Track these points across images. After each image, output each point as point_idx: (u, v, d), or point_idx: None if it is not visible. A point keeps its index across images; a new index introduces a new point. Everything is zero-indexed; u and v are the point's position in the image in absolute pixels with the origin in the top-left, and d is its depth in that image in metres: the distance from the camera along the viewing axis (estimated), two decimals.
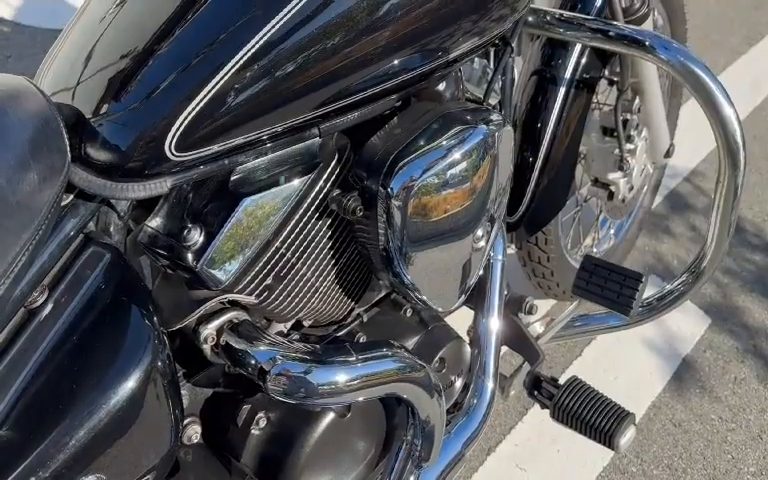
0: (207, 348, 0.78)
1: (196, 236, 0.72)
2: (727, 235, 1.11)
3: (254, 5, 0.70)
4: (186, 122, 0.67)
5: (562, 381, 1.12)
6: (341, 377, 0.77)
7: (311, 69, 0.72)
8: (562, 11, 1.17)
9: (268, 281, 0.78)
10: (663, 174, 1.89)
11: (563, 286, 1.59)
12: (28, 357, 0.64)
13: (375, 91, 0.79)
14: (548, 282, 1.59)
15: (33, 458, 0.61)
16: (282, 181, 0.75)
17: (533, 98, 1.32)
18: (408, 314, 1.02)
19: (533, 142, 1.31)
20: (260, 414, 0.85)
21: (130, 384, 0.66)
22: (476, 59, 1.05)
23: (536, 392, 1.13)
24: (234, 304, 0.79)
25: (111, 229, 0.74)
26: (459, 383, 1.07)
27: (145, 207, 0.77)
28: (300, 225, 0.78)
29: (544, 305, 1.76)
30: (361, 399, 0.81)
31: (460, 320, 1.13)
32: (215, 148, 0.70)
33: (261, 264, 0.77)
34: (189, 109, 0.67)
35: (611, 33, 1.08)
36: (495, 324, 1.08)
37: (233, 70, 0.68)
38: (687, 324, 1.76)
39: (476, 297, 1.08)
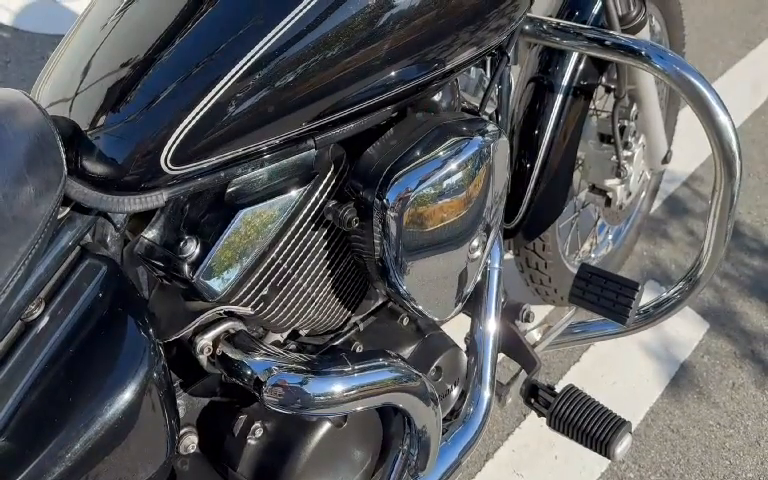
0: (203, 358, 0.78)
1: (192, 248, 0.73)
2: (723, 243, 1.12)
3: (250, 19, 0.70)
4: (182, 136, 0.67)
5: (558, 389, 1.13)
6: (337, 387, 0.77)
7: (307, 82, 0.72)
8: (559, 20, 1.18)
9: (264, 292, 0.79)
10: (661, 179, 1.89)
11: (561, 292, 1.59)
12: (25, 369, 0.64)
13: (371, 103, 0.79)
14: (546, 288, 1.59)
15: (30, 469, 0.61)
16: (278, 193, 0.76)
17: (530, 105, 1.32)
18: (405, 323, 1.03)
19: (530, 149, 1.31)
20: (256, 424, 0.86)
21: (126, 395, 0.66)
22: (472, 68, 1.05)
23: (533, 400, 1.13)
24: (230, 315, 0.79)
25: (108, 240, 0.74)
26: (456, 391, 1.07)
27: (142, 218, 0.77)
28: (296, 236, 0.78)
29: (542, 311, 1.77)
30: (357, 409, 0.81)
31: (457, 327, 1.13)
32: (211, 161, 0.70)
33: (257, 275, 0.77)
34: (185, 123, 0.67)
35: (607, 42, 1.09)
36: (492, 332, 1.08)
37: (229, 84, 0.68)
38: (685, 329, 1.76)
39: (473, 305, 1.09)
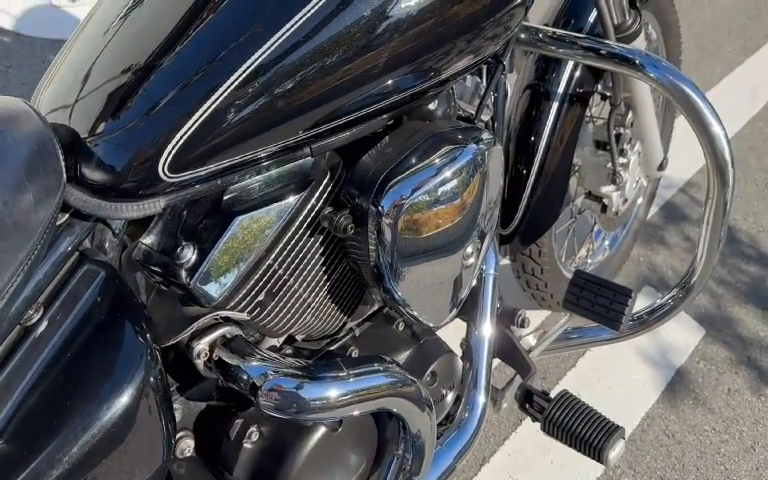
0: (200, 363, 0.79)
1: (189, 254, 0.74)
2: (717, 250, 1.13)
3: (248, 28, 0.71)
4: (179, 144, 0.68)
5: (553, 394, 1.13)
6: (332, 392, 0.78)
7: (304, 90, 0.73)
8: (554, 29, 1.19)
9: (260, 298, 0.80)
10: (658, 185, 1.90)
11: (557, 297, 1.60)
12: (24, 373, 0.65)
13: (368, 111, 0.80)
14: (542, 293, 1.60)
15: (28, 473, 0.62)
16: (274, 200, 0.77)
17: (527, 112, 1.34)
18: (400, 328, 1.04)
19: (527, 155, 1.32)
20: (252, 428, 0.87)
21: (123, 399, 0.67)
22: (468, 76, 1.06)
23: (527, 405, 1.14)
24: (227, 320, 0.80)
25: (106, 246, 0.75)
26: (451, 396, 1.08)
27: (140, 224, 0.78)
28: (292, 243, 0.79)
29: (538, 316, 1.78)
30: (352, 414, 0.82)
31: (453, 333, 1.14)
32: (208, 169, 0.71)
33: (253, 281, 0.78)
34: (183, 131, 0.68)
35: (602, 51, 1.10)
36: (487, 337, 1.09)
37: (226, 93, 0.69)
38: (681, 335, 1.77)
39: (468, 311, 1.10)
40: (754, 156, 2.36)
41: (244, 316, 0.80)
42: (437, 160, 0.82)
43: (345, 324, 0.96)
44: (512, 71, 1.14)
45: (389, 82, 0.80)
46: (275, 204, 0.77)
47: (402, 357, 1.00)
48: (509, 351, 1.16)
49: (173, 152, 0.68)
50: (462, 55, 0.87)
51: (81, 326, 0.68)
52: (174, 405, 0.81)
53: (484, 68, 1.07)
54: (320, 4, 0.72)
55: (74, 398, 0.65)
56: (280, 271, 0.80)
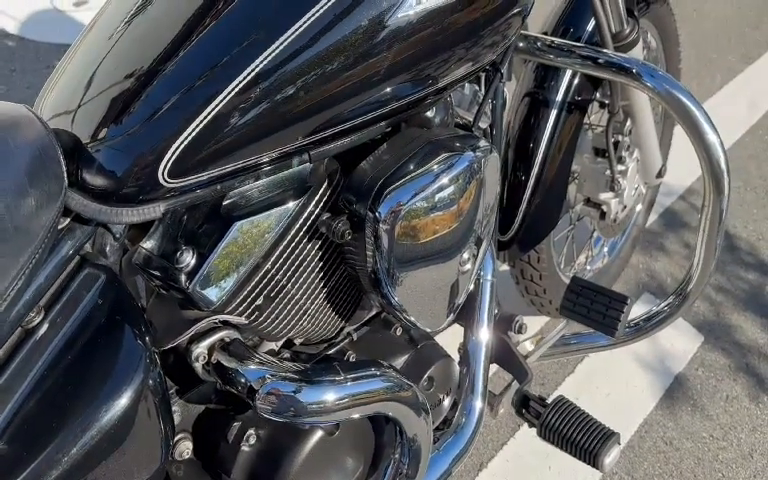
0: (199, 366, 0.80)
1: (189, 258, 0.75)
2: (713, 258, 1.13)
3: (248, 36, 0.72)
4: (179, 150, 0.70)
5: (550, 400, 1.14)
6: (329, 396, 0.79)
7: (303, 97, 0.74)
8: (553, 37, 1.20)
9: (258, 302, 0.80)
10: (657, 193, 1.91)
11: (556, 304, 1.61)
12: (24, 375, 0.66)
13: (366, 118, 0.81)
14: (541, 299, 1.61)
15: (28, 473, 0.63)
16: (273, 205, 0.78)
17: (526, 119, 1.35)
18: (398, 333, 1.04)
19: (525, 162, 1.33)
20: (250, 431, 0.87)
21: (122, 401, 0.68)
22: (466, 84, 1.07)
23: (524, 411, 1.15)
24: (225, 323, 0.81)
25: (107, 250, 0.76)
26: (448, 401, 1.08)
27: (140, 228, 0.79)
28: (290, 248, 0.80)
29: (537, 322, 1.78)
30: (349, 418, 0.83)
31: (451, 338, 1.15)
32: (208, 174, 0.72)
33: (252, 286, 0.79)
34: (182, 137, 0.69)
35: (599, 60, 1.11)
36: (484, 343, 1.10)
37: (226, 99, 0.70)
38: (680, 342, 1.77)
39: (466, 316, 1.11)
40: (754, 164, 2.37)
41: (242, 320, 0.80)
42: (434, 167, 0.83)
43: (343, 329, 0.97)
44: (510, 79, 1.15)
45: (388, 90, 0.81)
46: (274, 209, 0.78)
47: (399, 362, 1.01)
48: (506, 356, 1.17)
49: (173, 158, 0.69)
50: (460, 63, 0.88)
51: (81, 329, 0.69)
52: (173, 407, 0.82)
53: (482, 76, 1.08)
54: (320, 12, 0.73)
55: (74, 400, 0.66)
56: (278, 276, 0.81)
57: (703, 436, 1.58)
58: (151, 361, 0.70)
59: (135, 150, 0.70)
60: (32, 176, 0.64)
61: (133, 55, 0.75)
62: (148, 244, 0.78)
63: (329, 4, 0.73)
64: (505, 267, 1.60)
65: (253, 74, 0.71)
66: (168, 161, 0.69)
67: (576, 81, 1.31)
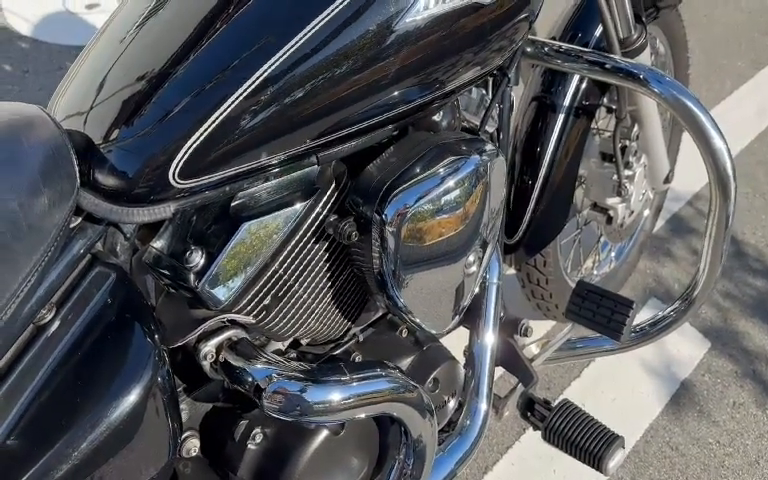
0: (207, 365, 0.81)
1: (197, 258, 0.76)
2: (719, 263, 1.13)
3: (259, 39, 0.73)
4: (190, 151, 0.71)
5: (555, 403, 1.15)
6: (335, 396, 0.80)
7: (312, 100, 0.75)
8: (560, 43, 1.20)
9: (266, 302, 0.81)
10: (665, 198, 1.91)
11: (562, 308, 1.61)
12: (36, 371, 0.67)
13: (374, 122, 0.82)
14: (547, 303, 1.61)
15: (38, 467, 0.64)
16: (281, 206, 0.79)
17: (533, 123, 1.35)
18: (403, 334, 1.05)
19: (532, 166, 1.34)
20: (256, 429, 0.88)
21: (131, 398, 0.69)
22: (474, 88, 1.08)
23: (529, 414, 1.15)
24: (233, 323, 0.82)
25: (117, 249, 0.77)
26: (453, 403, 1.09)
27: (150, 228, 0.80)
28: (297, 249, 0.81)
29: (543, 326, 1.79)
30: (354, 418, 0.84)
31: (456, 341, 1.16)
32: (217, 176, 0.73)
33: (259, 286, 0.80)
34: (193, 139, 0.71)
35: (607, 66, 1.12)
36: (489, 346, 1.10)
37: (236, 102, 0.72)
38: (687, 347, 1.77)
39: (472, 319, 1.11)
40: (762, 170, 2.36)
41: (250, 319, 0.81)
42: (440, 170, 0.84)
43: (349, 329, 0.98)
44: (517, 83, 1.15)
45: (395, 93, 0.82)
46: (282, 211, 0.79)
47: (405, 363, 1.02)
48: (512, 360, 1.17)
49: (184, 159, 0.71)
50: (468, 68, 0.88)
51: (92, 326, 0.70)
52: (181, 405, 0.83)
53: (490, 80, 1.09)
54: (329, 17, 0.74)
55: (84, 396, 0.67)
56: (285, 276, 0.81)
57: (709, 442, 1.58)
58: (160, 359, 0.71)
59: (146, 151, 0.71)
60: (45, 175, 0.66)
61: (145, 58, 0.77)
62: (158, 244, 0.79)
63: (338, 9, 0.74)
64: (511, 271, 1.60)
65: (263, 78, 0.72)
66: (179, 162, 0.70)
67: (583, 86, 1.32)
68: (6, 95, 2.58)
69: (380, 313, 1.03)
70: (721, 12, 3.31)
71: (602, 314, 1.13)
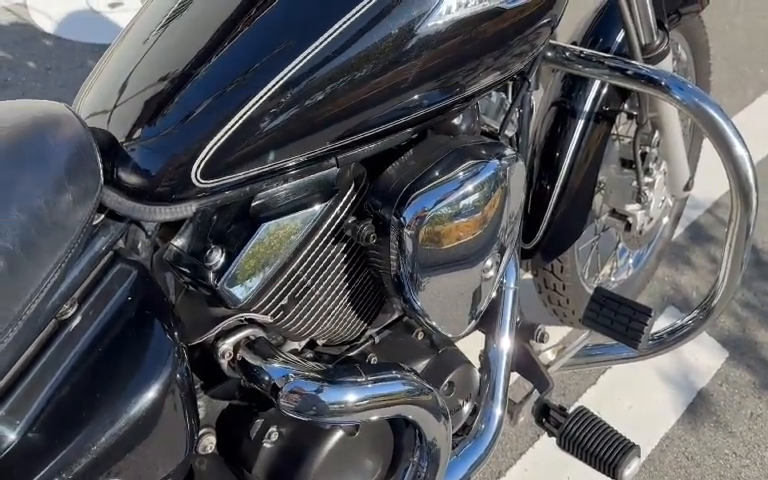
0: (224, 363, 0.82)
1: (217, 257, 0.77)
2: (739, 273, 1.12)
3: (282, 41, 0.74)
4: (212, 151, 0.71)
5: (570, 410, 1.14)
6: (350, 397, 0.80)
7: (333, 103, 0.76)
8: (582, 48, 1.20)
9: (284, 302, 0.82)
10: (684, 206, 1.89)
11: (579, 314, 1.60)
12: (57, 365, 0.68)
13: (394, 124, 0.82)
14: (563, 309, 1.60)
15: (58, 459, 0.65)
16: (300, 207, 0.79)
17: (553, 127, 1.35)
18: (419, 337, 1.05)
19: (551, 171, 1.33)
20: (272, 428, 0.89)
21: (150, 394, 0.69)
22: (493, 92, 1.08)
23: (544, 420, 1.15)
24: (251, 322, 0.83)
25: (139, 247, 0.78)
26: (467, 407, 1.09)
27: (171, 226, 0.81)
28: (315, 250, 0.82)
29: (559, 333, 1.78)
30: (369, 419, 0.84)
31: (472, 345, 1.15)
32: (238, 176, 0.74)
33: (277, 285, 0.80)
34: (215, 139, 0.71)
35: (628, 71, 1.11)
36: (505, 350, 1.10)
37: (258, 103, 0.72)
38: (704, 357, 1.75)
39: (488, 323, 1.11)
40: None
41: (267, 319, 0.82)
42: (459, 174, 0.84)
43: (365, 331, 0.98)
44: (537, 88, 1.15)
45: (416, 97, 0.82)
46: (301, 212, 0.79)
47: (420, 366, 1.02)
48: (527, 365, 1.17)
49: (206, 159, 0.71)
50: (488, 72, 0.88)
51: (113, 322, 0.71)
52: (198, 402, 0.83)
53: (510, 84, 1.09)
54: (351, 20, 0.75)
55: (104, 390, 0.68)
56: (303, 277, 0.82)
57: (726, 453, 1.56)
58: (179, 355, 0.72)
59: (169, 150, 0.72)
60: (70, 173, 0.67)
61: (168, 58, 0.77)
62: (178, 242, 0.80)
63: (361, 12, 0.75)
64: (528, 275, 1.59)
65: (285, 79, 0.73)
66: (201, 162, 0.71)
67: (604, 91, 1.31)
68: (29, 92, 2.62)
69: (396, 315, 1.03)
70: (743, 19, 3.27)
71: (620, 321, 1.12)
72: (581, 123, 1.31)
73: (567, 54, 1.17)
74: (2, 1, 3.10)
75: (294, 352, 0.94)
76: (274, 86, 0.72)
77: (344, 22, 0.74)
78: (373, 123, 0.80)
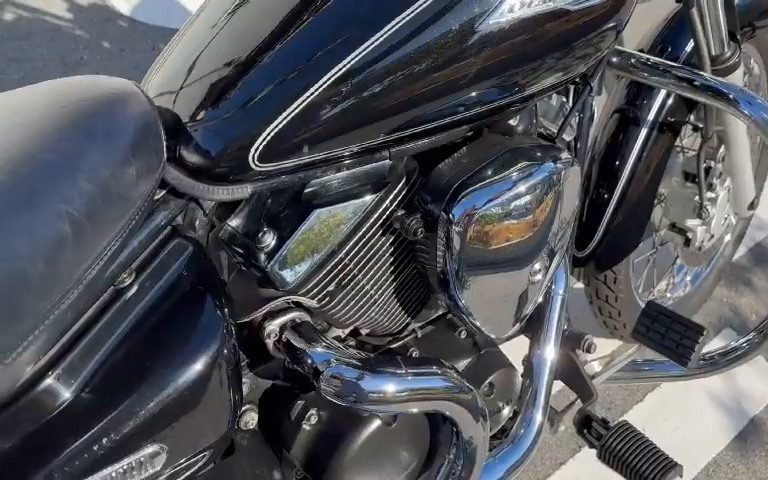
0: (270, 343, 0.84)
1: (269, 239, 0.79)
2: None
3: (344, 32, 0.75)
4: (270, 136, 0.73)
5: (613, 423, 1.12)
6: (390, 387, 0.81)
7: (390, 96, 0.77)
8: (648, 55, 1.17)
9: (330, 288, 0.84)
10: (748, 225, 1.82)
11: (629, 328, 1.56)
12: (112, 331, 0.71)
13: (449, 121, 0.83)
14: (614, 322, 1.57)
15: (107, 420, 0.68)
16: (351, 197, 0.81)
17: (614, 135, 1.32)
18: (462, 336, 1.05)
19: (610, 179, 1.31)
20: (312, 411, 0.91)
21: (198, 366, 0.72)
22: (554, 95, 1.07)
23: (585, 430, 1.13)
24: (298, 305, 0.85)
25: (196, 224, 0.81)
26: (507, 410, 1.08)
27: (228, 206, 0.83)
28: (364, 240, 0.83)
29: (608, 346, 1.74)
30: (407, 411, 0.85)
31: (517, 349, 1.15)
32: (294, 162, 0.76)
33: (325, 271, 0.82)
34: (274, 124, 0.73)
35: (696, 83, 1.08)
36: (550, 357, 1.09)
37: (318, 92, 0.74)
38: (759, 383, 1.69)
39: (533, 328, 1.10)
40: None
41: (314, 303, 0.84)
42: (512, 174, 0.83)
43: (408, 324, 0.99)
44: (600, 93, 1.13)
45: (473, 94, 0.82)
46: (352, 201, 0.81)
47: (461, 364, 1.02)
48: (572, 374, 1.15)
49: (264, 143, 0.73)
50: (549, 74, 0.88)
51: (167, 294, 0.74)
52: (243, 379, 0.86)
53: (571, 88, 1.07)
54: (413, 14, 0.75)
55: (155, 359, 0.71)
56: (351, 265, 0.83)
57: None
58: (228, 332, 0.75)
59: (229, 133, 0.74)
60: (135, 148, 0.70)
61: (234, 44, 0.80)
62: (234, 222, 0.82)
63: (423, 6, 0.75)
64: (579, 285, 1.57)
65: (344, 70, 0.74)
66: (259, 146, 0.73)
67: (670, 102, 1.28)
68: (103, 70, 2.73)
69: (440, 312, 1.04)
70: None
71: (671, 337, 1.09)
72: (644, 132, 1.29)
73: (633, 61, 1.15)
74: None
75: (338, 339, 0.95)
76: (333, 76, 0.74)
77: (406, 16, 0.75)
78: (428, 118, 0.81)
